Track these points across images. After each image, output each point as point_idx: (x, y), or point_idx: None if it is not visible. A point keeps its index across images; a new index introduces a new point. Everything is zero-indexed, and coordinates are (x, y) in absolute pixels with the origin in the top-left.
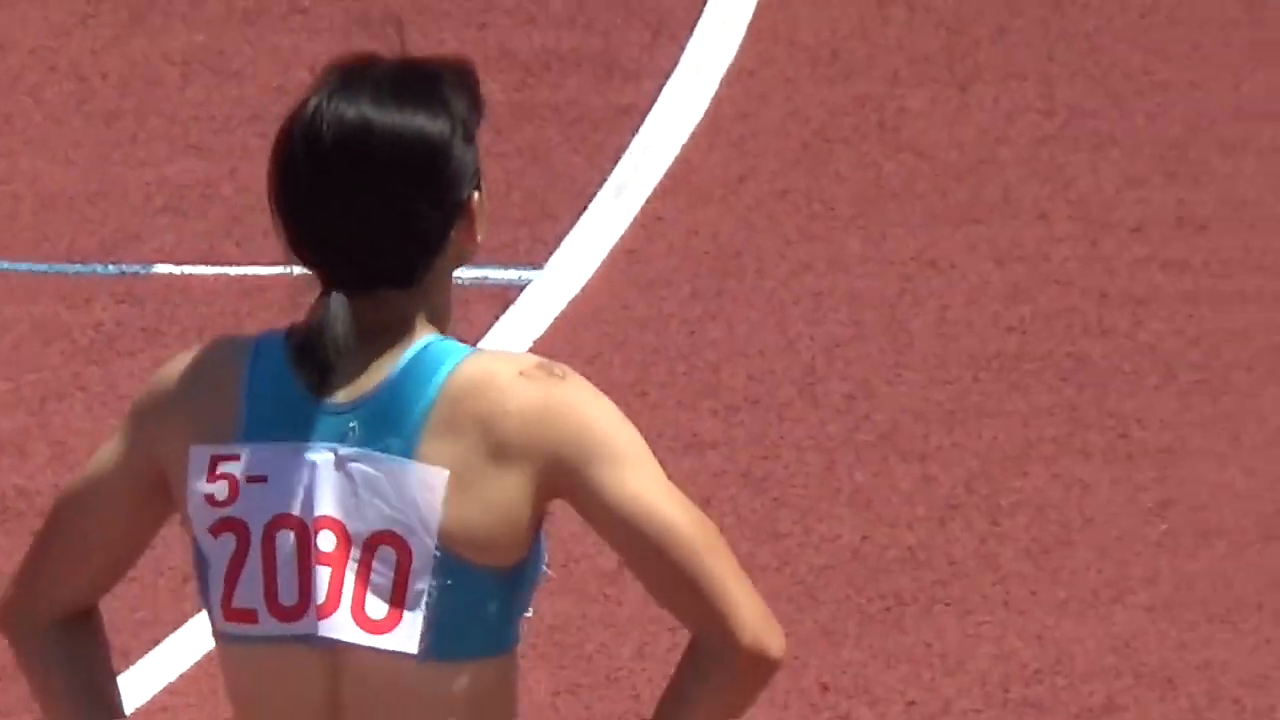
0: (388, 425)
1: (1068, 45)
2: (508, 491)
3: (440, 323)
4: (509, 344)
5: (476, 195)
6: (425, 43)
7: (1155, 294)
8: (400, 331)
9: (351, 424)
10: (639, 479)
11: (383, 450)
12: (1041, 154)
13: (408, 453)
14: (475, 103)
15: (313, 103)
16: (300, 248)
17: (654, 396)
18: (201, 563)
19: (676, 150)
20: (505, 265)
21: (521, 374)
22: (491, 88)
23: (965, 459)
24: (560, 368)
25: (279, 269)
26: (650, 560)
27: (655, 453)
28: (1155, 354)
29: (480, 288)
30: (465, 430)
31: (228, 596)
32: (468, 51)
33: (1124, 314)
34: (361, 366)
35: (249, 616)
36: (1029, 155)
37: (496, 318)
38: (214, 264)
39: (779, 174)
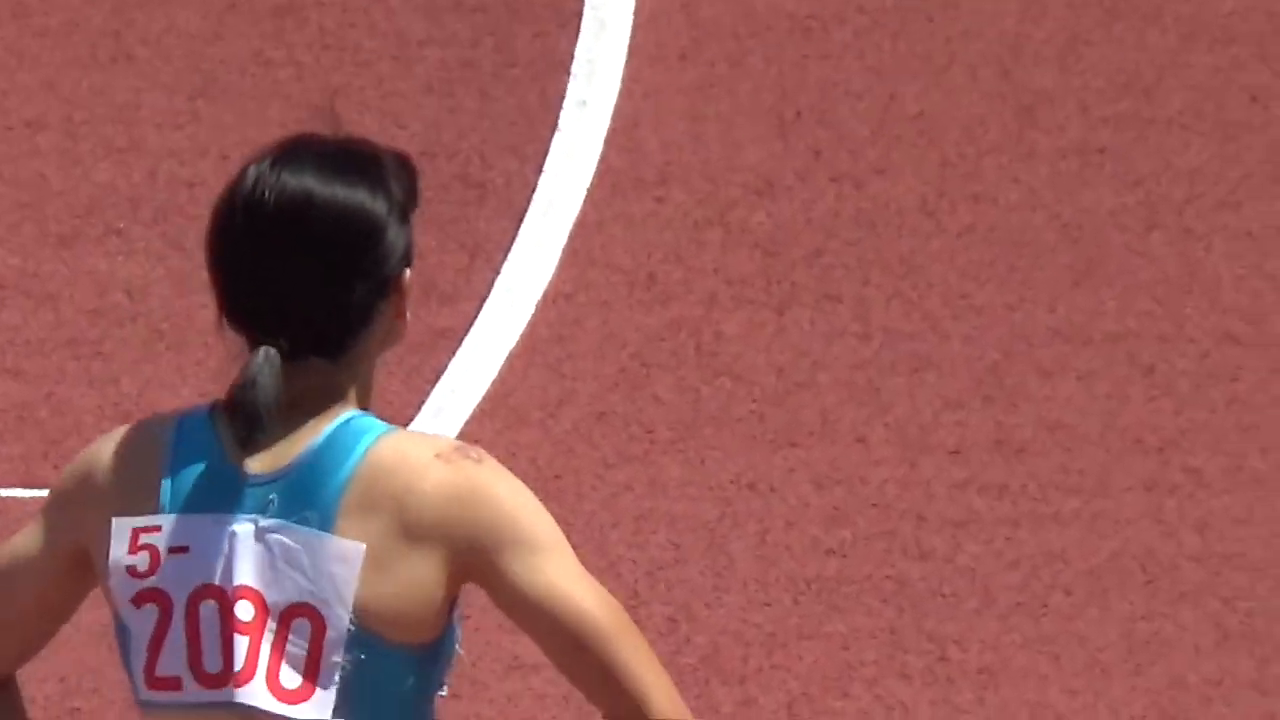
0: (306, 498)
1: (883, 268)
2: (421, 571)
3: (363, 400)
4: None
5: (407, 273)
6: None
7: (974, 517)
8: (324, 403)
9: (271, 496)
10: (553, 567)
11: (301, 523)
12: (859, 377)
13: (325, 526)
14: (412, 189)
15: (255, 170)
16: (233, 312)
17: (476, 619)
18: (123, 633)
19: (494, 373)
20: None
21: (438, 455)
22: None
23: (786, 681)
24: (476, 451)
25: None
26: (566, 647)
27: (477, 673)
28: (974, 577)
29: None
30: (381, 507)
31: (151, 665)
32: None
33: (943, 537)
34: (284, 436)
35: (173, 684)
36: (846, 378)
37: None
38: (31, 487)
39: (596, 397)
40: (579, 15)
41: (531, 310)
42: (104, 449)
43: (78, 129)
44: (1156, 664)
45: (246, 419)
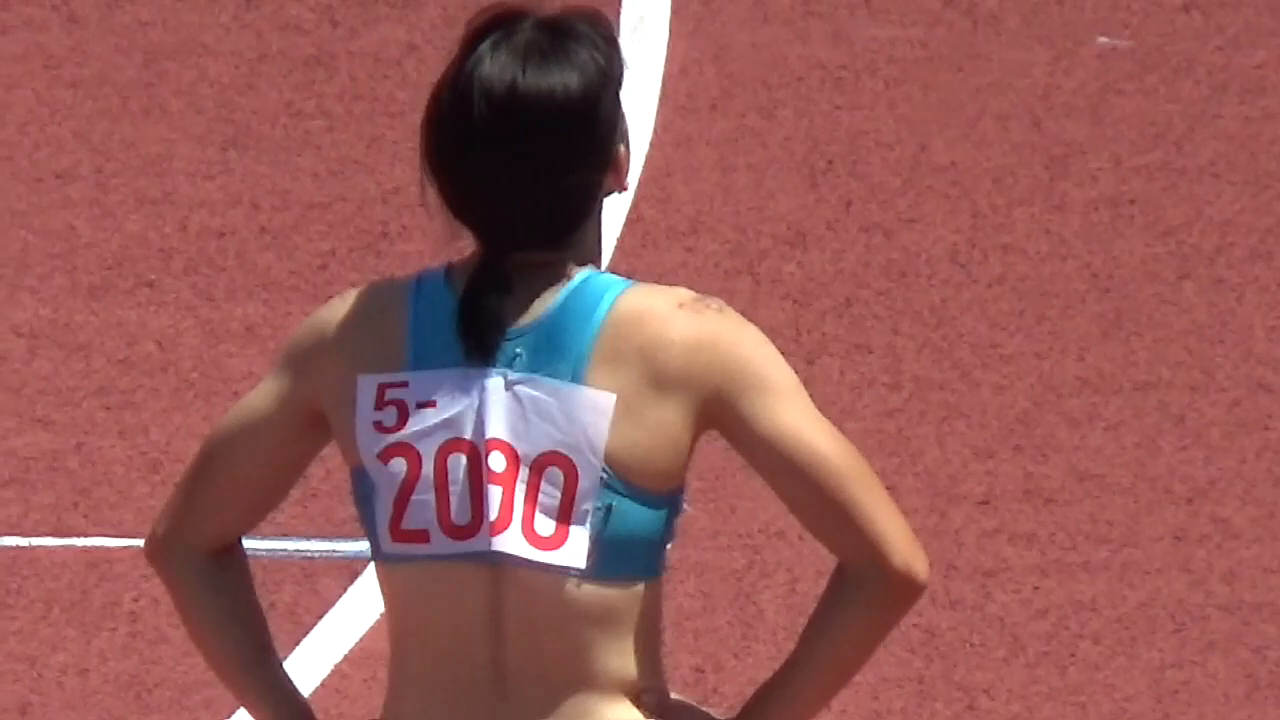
0: (554, 352)
1: (914, 318)
2: (669, 418)
3: (593, 256)
4: (358, 619)
5: (623, 148)
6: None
7: (1003, 566)
8: (559, 269)
9: (518, 350)
10: (791, 410)
11: (550, 375)
12: (888, 426)
13: (575, 378)
14: (616, 54)
15: (465, 73)
16: (460, 212)
17: None
18: (366, 492)
19: None
20: (355, 538)
21: (681, 306)
22: None
23: None
24: (717, 301)
25: (126, 540)
26: (802, 489)
27: None
28: (1003, 626)
29: (328, 559)
30: (629, 358)
31: (397, 519)
32: None
33: (972, 585)
34: (520, 301)
35: (420, 537)
36: (876, 427)
37: (345, 589)
38: (61, 535)
39: None
40: None
41: None
42: (339, 310)
43: (109, 180)
44: (1185, 714)
45: (486, 328)
